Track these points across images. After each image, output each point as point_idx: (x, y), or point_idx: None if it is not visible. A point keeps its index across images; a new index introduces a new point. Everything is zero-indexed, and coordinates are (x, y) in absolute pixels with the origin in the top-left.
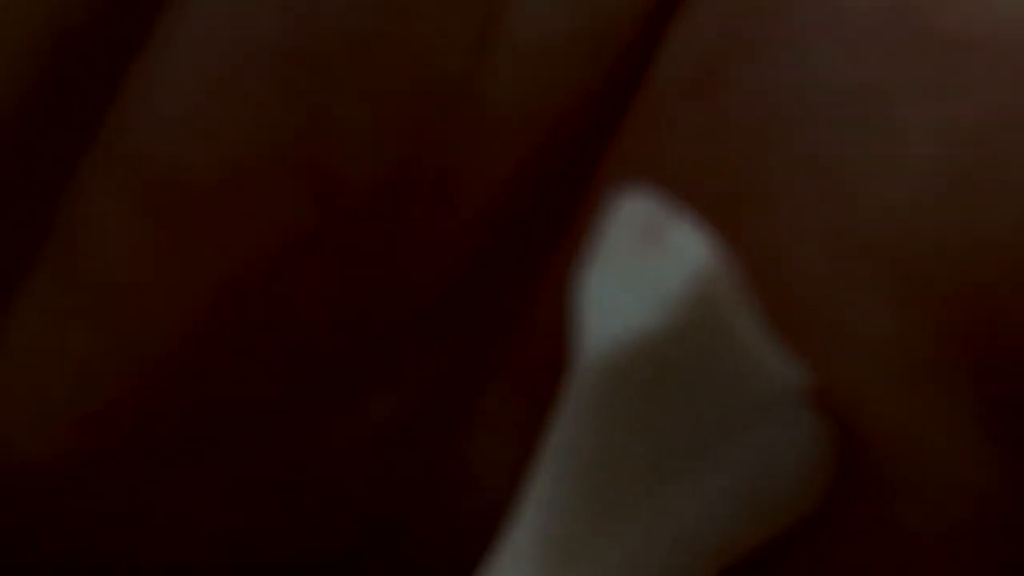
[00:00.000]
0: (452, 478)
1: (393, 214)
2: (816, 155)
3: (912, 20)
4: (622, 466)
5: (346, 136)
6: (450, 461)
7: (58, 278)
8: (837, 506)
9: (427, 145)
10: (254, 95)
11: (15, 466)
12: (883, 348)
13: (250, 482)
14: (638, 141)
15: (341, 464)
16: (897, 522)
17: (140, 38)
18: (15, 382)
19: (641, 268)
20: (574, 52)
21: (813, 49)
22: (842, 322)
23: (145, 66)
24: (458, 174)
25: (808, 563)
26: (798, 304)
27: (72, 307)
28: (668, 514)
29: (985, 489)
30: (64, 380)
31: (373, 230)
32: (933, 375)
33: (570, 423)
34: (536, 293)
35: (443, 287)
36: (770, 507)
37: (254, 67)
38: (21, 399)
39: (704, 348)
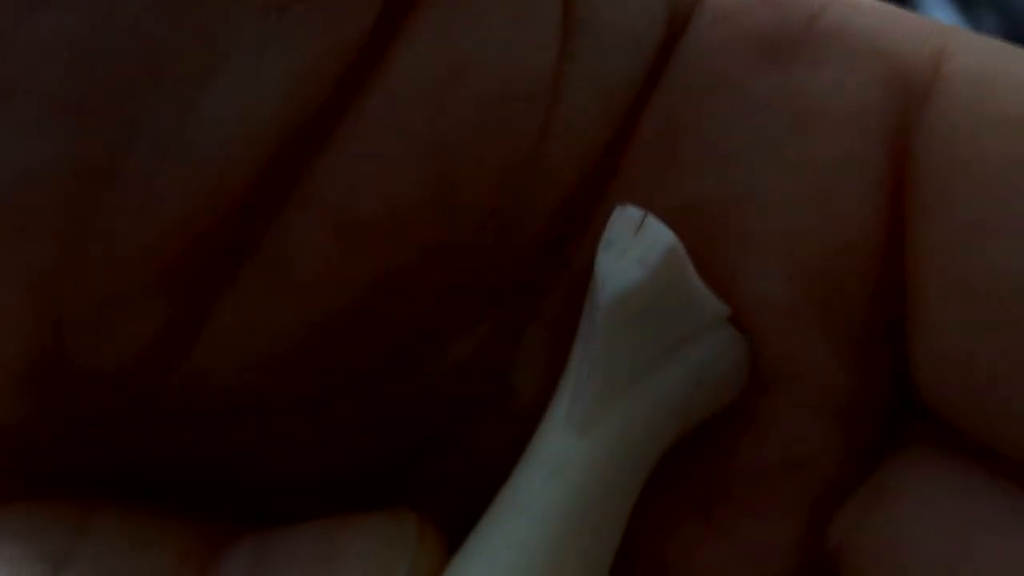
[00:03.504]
0: (499, 402)
1: (487, 230)
2: (736, 184)
3: (787, 94)
4: (621, 365)
5: (464, 191)
6: (498, 387)
7: (263, 276)
8: (742, 399)
9: (510, 189)
10: (410, 165)
11: (221, 394)
12: (774, 302)
13: (361, 416)
14: (628, 175)
15: (422, 396)
16: (775, 409)
17: (334, 128)
18: (219, 341)
19: (631, 245)
20: (600, 120)
21: (732, 114)
22: (751, 287)
23: (338, 140)
24: (521, 206)
25: (726, 437)
26: (721, 276)
27: (269, 294)
28: (650, 393)
29: (836, 388)
30: (254, 339)
31: (478, 238)
32: (804, 317)
33: (588, 341)
34: (562, 267)
35: (515, 267)
36: (711, 391)
37: (411, 152)
38: (225, 351)
39: (669, 292)
